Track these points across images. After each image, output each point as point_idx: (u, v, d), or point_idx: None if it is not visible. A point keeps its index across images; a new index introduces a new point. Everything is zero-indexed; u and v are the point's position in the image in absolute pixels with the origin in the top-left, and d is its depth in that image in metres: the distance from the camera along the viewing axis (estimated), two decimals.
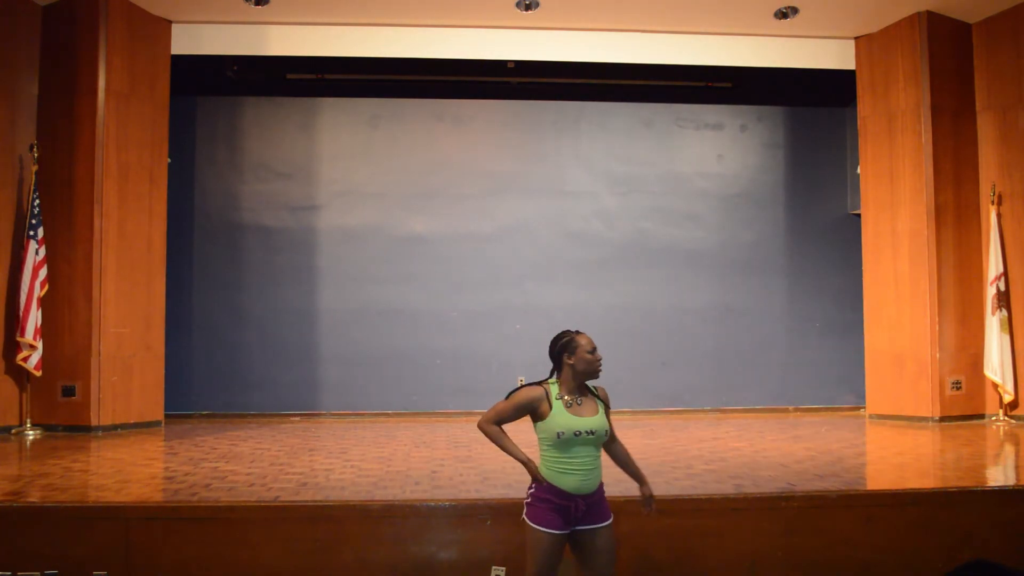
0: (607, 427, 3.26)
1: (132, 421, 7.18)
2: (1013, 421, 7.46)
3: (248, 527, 4.07)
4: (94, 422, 6.94)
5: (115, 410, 7.07)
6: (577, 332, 3.33)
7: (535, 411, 3.24)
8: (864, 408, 8.25)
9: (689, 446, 6.23)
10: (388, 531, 4.11)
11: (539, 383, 3.31)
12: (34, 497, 4.44)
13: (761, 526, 4.23)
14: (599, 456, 3.29)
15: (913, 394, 7.63)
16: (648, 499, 3.39)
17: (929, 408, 7.51)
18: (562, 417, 3.20)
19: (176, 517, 4.11)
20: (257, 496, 4.37)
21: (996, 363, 7.42)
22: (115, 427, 7.04)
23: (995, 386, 7.54)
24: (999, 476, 5.41)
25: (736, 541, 4.20)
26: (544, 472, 3.25)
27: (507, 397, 3.30)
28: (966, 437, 6.68)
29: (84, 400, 6.95)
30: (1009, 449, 6.31)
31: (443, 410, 8.51)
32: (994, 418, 7.57)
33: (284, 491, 4.48)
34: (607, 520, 3.28)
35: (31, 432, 6.86)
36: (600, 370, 3.28)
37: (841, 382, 8.87)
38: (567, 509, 3.21)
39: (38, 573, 3.91)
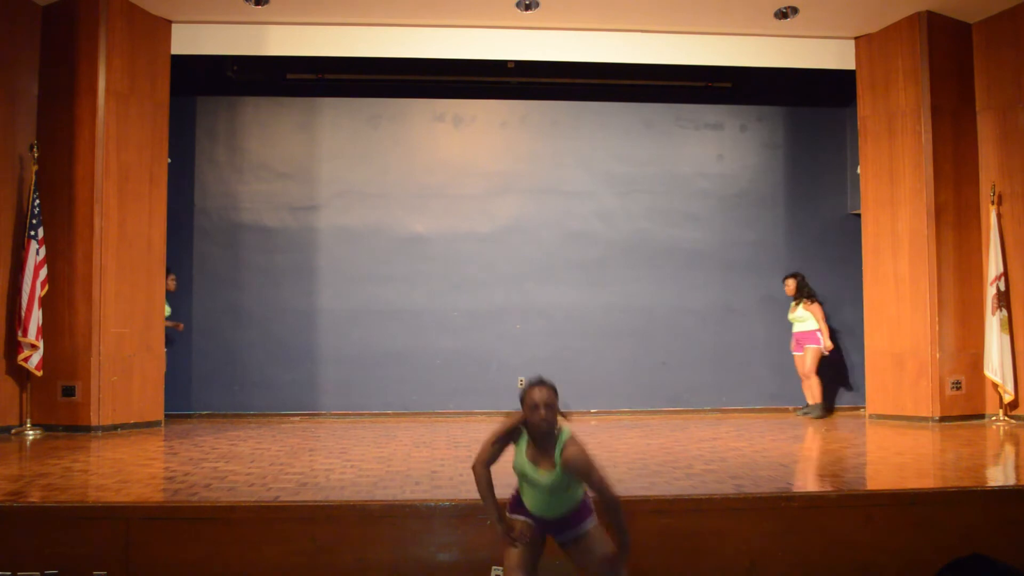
0: (559, 488, 3.18)
1: (132, 421, 7.18)
2: (1013, 421, 7.46)
3: (248, 527, 4.07)
4: (94, 422, 6.94)
5: (115, 410, 7.07)
6: (536, 384, 3.19)
7: (509, 440, 3.29)
8: (864, 408, 8.26)
9: (689, 446, 6.23)
10: (388, 531, 4.11)
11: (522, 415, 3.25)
12: (34, 497, 4.44)
13: (761, 526, 4.23)
14: (568, 497, 3.25)
15: (913, 394, 7.63)
16: (612, 562, 3.20)
17: (929, 408, 7.51)
18: (519, 457, 3.25)
19: (176, 517, 4.11)
20: (257, 496, 4.37)
21: (996, 363, 7.42)
22: (115, 427, 7.04)
23: (995, 386, 7.54)
24: (999, 476, 5.41)
25: (736, 541, 4.20)
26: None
27: (495, 426, 3.32)
28: (966, 437, 6.68)
29: (84, 400, 6.95)
30: (1009, 449, 6.31)
31: (443, 410, 8.52)
32: (994, 418, 7.57)
33: (284, 491, 4.48)
34: (584, 525, 3.30)
35: (31, 432, 6.86)
36: (544, 429, 3.13)
37: (841, 382, 8.87)
38: (532, 519, 3.32)
39: (38, 573, 3.90)
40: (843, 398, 8.86)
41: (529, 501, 3.30)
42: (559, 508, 3.26)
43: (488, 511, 3.29)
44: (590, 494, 3.30)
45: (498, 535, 3.33)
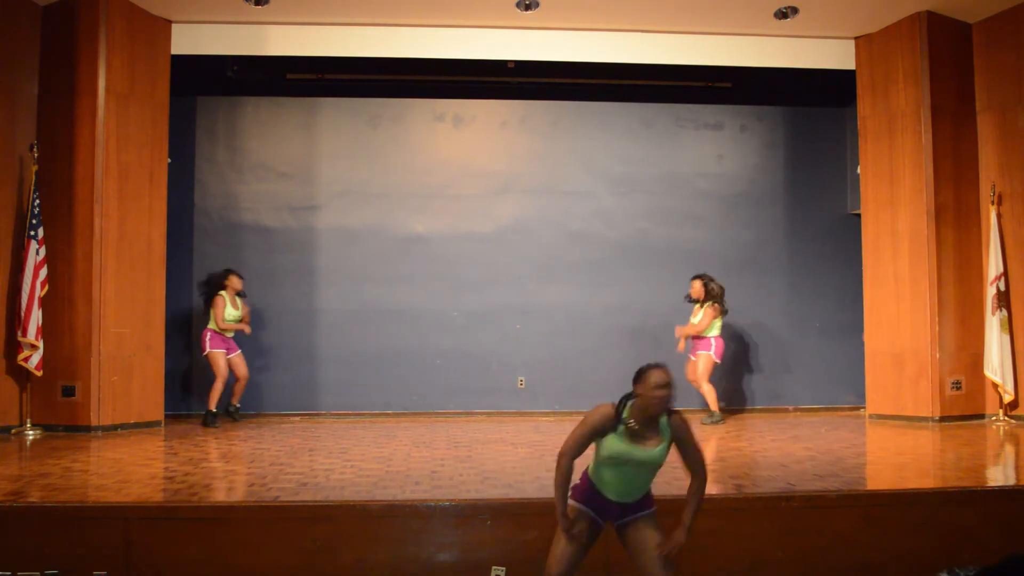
0: (660, 461, 3.31)
1: (132, 421, 7.18)
2: (1013, 421, 7.46)
3: (248, 527, 4.08)
4: (94, 422, 6.94)
5: (115, 410, 7.07)
6: (655, 367, 3.27)
7: (603, 431, 3.30)
8: (864, 408, 8.25)
9: None
10: (388, 531, 4.12)
11: (614, 403, 3.32)
12: (34, 497, 4.44)
13: (761, 526, 4.23)
14: (652, 477, 3.39)
15: (913, 394, 7.63)
16: (672, 540, 3.32)
17: (929, 408, 7.51)
18: (614, 444, 3.27)
19: (176, 517, 4.12)
20: (257, 496, 4.38)
21: (996, 363, 7.42)
22: (115, 427, 7.04)
23: (995, 386, 7.54)
24: (999, 476, 5.42)
25: (736, 541, 4.20)
26: (591, 470, 3.41)
27: (583, 420, 3.33)
28: (966, 437, 6.68)
29: (84, 400, 6.95)
30: (1009, 449, 6.31)
31: (443, 410, 8.52)
32: (994, 418, 7.56)
33: (284, 491, 4.48)
34: (646, 510, 3.38)
35: (31, 432, 6.86)
36: (658, 410, 3.24)
37: (841, 382, 8.87)
38: (601, 506, 3.37)
39: (38, 573, 3.91)
40: (843, 398, 8.86)
41: (614, 486, 3.33)
42: (642, 489, 3.36)
43: (557, 502, 3.31)
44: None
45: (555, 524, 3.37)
